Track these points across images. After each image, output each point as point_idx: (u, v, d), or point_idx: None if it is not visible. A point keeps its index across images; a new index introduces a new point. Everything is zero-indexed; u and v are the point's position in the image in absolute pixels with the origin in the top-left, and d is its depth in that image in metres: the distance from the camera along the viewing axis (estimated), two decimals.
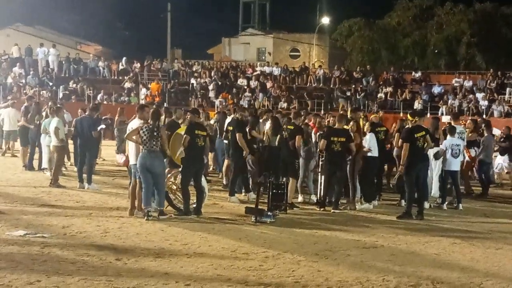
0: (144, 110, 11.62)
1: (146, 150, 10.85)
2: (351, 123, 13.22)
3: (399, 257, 8.95)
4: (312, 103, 35.80)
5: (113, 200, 13.10)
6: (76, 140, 15.35)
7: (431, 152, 13.49)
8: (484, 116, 31.17)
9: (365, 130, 13.62)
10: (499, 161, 17.32)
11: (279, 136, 13.19)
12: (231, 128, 13.88)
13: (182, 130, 12.28)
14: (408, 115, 12.96)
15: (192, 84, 38.79)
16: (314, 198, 13.74)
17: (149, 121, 11.05)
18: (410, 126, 12.59)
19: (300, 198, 13.77)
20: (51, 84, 38.15)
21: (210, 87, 37.68)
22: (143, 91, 37.39)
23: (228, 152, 14.79)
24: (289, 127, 13.24)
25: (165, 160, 11.54)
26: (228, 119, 15.61)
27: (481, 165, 15.94)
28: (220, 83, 38.94)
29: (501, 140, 17.38)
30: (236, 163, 13.77)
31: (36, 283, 7.09)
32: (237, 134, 13.39)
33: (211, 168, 17.97)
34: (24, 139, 17.86)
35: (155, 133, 10.86)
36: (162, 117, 14.75)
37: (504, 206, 14.62)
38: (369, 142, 13.20)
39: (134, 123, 11.58)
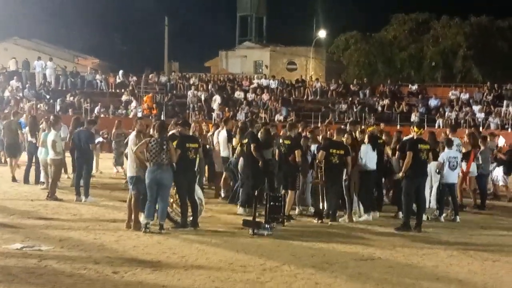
0: (138, 123, 11.67)
1: (156, 164, 10.83)
2: (345, 135, 13.21)
3: (397, 269, 8.95)
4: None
5: (110, 213, 13.08)
6: (74, 153, 15.34)
7: (432, 166, 13.54)
8: (480, 128, 31.28)
9: (364, 141, 13.63)
10: (495, 172, 17.34)
11: (273, 149, 13.17)
12: (245, 141, 13.57)
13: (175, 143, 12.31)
14: (415, 127, 13.06)
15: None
16: (311, 210, 13.72)
17: (155, 134, 11.05)
18: (414, 137, 12.65)
19: (297, 210, 13.76)
20: (48, 97, 38.21)
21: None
22: (133, 104, 37.42)
23: (228, 165, 14.74)
24: (286, 142, 13.18)
25: None
26: (223, 132, 15.51)
27: (480, 177, 15.96)
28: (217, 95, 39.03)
29: (505, 152, 17.44)
30: (252, 176, 13.37)
31: None
32: (252, 145, 13.15)
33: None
34: (11, 152, 18.03)
35: (164, 147, 10.86)
36: None
37: (501, 218, 14.61)
38: (365, 154, 13.19)
39: (132, 137, 11.58)
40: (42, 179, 16.67)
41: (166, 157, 10.88)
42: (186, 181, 11.60)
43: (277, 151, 13.30)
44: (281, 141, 13.36)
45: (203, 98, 38.16)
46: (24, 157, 18.15)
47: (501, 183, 17.51)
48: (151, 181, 10.89)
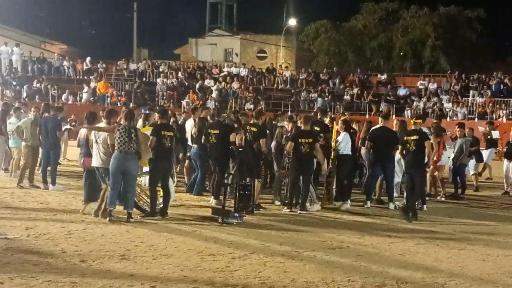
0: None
1: (123, 152, 10.72)
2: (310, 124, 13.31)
3: (365, 258, 9.01)
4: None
5: (77, 201, 12.90)
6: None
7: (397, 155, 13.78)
8: (448, 118, 31.68)
9: (338, 129, 13.72)
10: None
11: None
12: (215, 131, 13.30)
13: (145, 130, 12.20)
14: (413, 119, 13.55)
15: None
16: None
17: (123, 122, 10.92)
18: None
19: (277, 202, 13.63)
20: (14, 83, 37.66)
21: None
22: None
23: (196, 153, 14.58)
24: (252, 128, 13.11)
25: None
26: (191, 121, 15.38)
27: (460, 167, 16.15)
28: (187, 83, 38.92)
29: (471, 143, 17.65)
30: (221, 167, 13.27)
31: None
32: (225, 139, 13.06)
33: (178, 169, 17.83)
34: None
35: (132, 135, 10.75)
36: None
37: (467, 208, 14.81)
38: (342, 141, 13.31)
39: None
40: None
41: (133, 146, 10.79)
42: (161, 169, 11.56)
43: (243, 137, 13.18)
44: (247, 128, 13.28)
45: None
46: None
47: (472, 172, 17.74)
48: (116, 168, 10.75)
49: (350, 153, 13.51)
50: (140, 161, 11.30)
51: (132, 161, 10.86)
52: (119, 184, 10.87)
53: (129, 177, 10.88)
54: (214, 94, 36.87)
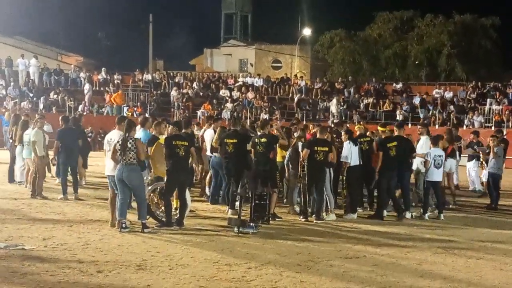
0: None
1: (124, 163, 10.77)
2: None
3: (381, 267, 8.97)
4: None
5: (94, 212, 13.00)
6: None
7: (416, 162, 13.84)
8: (464, 127, 31.51)
9: (342, 139, 13.69)
10: (484, 171, 17.37)
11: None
12: (232, 141, 13.24)
13: (163, 141, 12.21)
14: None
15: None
16: (297, 208, 13.69)
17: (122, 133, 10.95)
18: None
19: (297, 208, 13.63)
20: (31, 95, 37.97)
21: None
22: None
23: (218, 165, 14.53)
24: (262, 140, 12.97)
25: (144, 172, 11.48)
26: (209, 131, 15.37)
27: (494, 176, 15.98)
28: (202, 94, 39.04)
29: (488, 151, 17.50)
30: (237, 177, 13.25)
31: None
32: (252, 149, 12.97)
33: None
34: None
35: (129, 145, 10.77)
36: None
37: (484, 215, 14.70)
38: (345, 151, 13.29)
39: (113, 134, 11.47)
40: (18, 178, 16.66)
41: (133, 156, 10.77)
42: (178, 181, 11.51)
43: (253, 150, 13.13)
44: (256, 140, 13.18)
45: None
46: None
47: (484, 179, 17.59)
48: (117, 179, 10.86)
49: (356, 163, 13.43)
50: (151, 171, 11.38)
51: (131, 172, 10.82)
52: (127, 194, 10.93)
53: (132, 187, 10.90)
54: (229, 104, 36.90)
